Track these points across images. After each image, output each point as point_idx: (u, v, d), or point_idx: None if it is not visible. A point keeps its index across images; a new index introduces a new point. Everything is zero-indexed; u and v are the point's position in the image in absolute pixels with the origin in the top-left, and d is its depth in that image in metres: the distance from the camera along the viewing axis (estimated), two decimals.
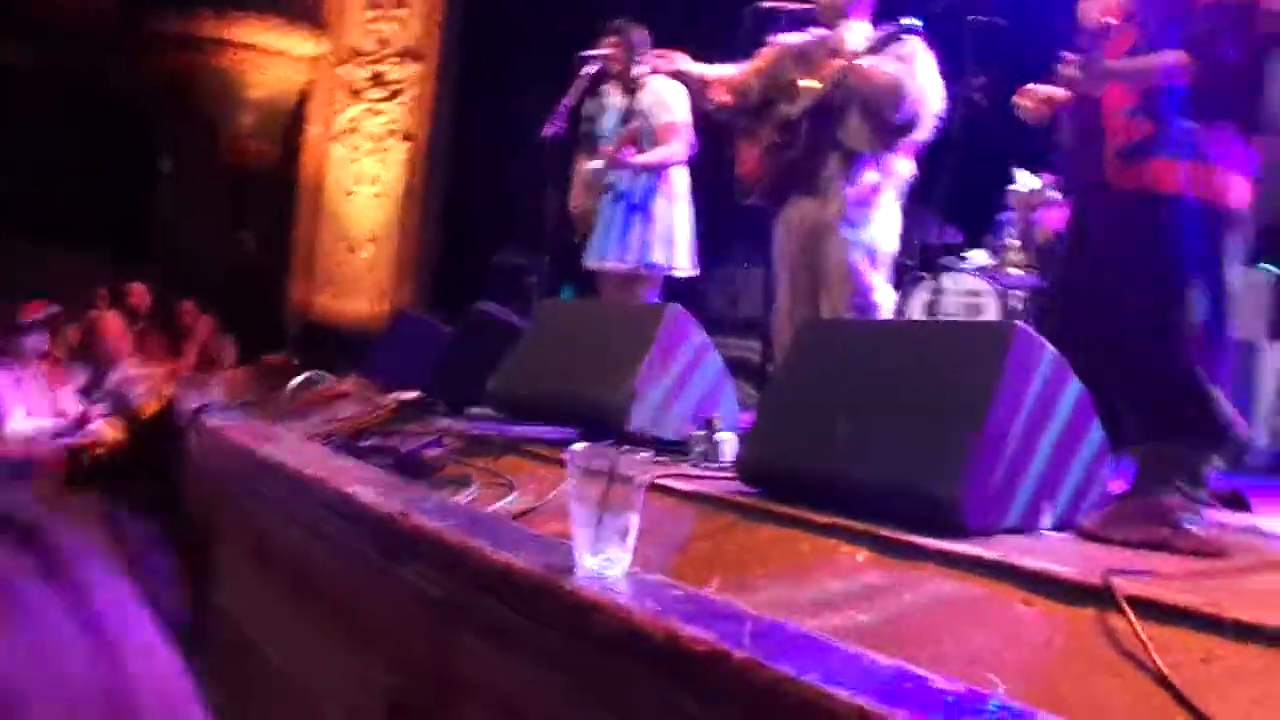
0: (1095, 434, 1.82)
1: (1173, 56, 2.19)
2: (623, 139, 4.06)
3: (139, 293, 5.73)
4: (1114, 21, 2.16)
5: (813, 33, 3.40)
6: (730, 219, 4.29)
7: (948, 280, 5.70)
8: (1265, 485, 2.76)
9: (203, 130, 7.26)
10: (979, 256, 5.67)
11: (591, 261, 4.13)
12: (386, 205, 7.42)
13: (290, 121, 7.51)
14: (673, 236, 4.05)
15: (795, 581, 1.55)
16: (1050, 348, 1.74)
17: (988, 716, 0.73)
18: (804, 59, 3.31)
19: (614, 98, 4.24)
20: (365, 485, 1.48)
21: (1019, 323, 1.72)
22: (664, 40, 3.96)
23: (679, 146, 4.00)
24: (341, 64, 7.43)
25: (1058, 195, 5.68)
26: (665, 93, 3.99)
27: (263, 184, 7.41)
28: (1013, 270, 5.52)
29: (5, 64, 7.16)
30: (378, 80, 7.42)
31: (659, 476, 2.12)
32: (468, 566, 1.11)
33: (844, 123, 3.12)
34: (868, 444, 1.76)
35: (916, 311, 4.84)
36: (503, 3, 6.98)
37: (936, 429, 1.69)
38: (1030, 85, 2.47)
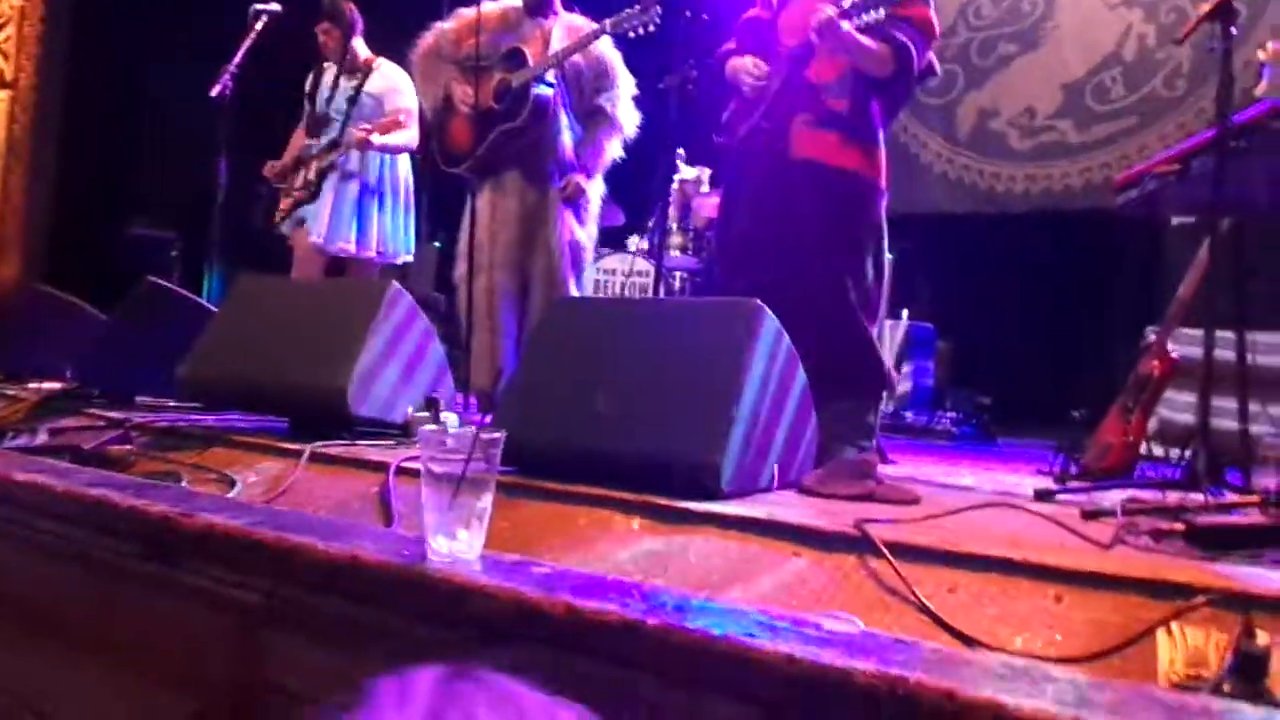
0: (804, 395, 2.05)
1: (884, 50, 2.47)
2: (381, 125, 3.91)
3: None
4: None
5: (514, 5, 3.45)
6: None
7: (615, 261, 6.05)
8: (886, 443, 3.22)
9: None
10: (637, 240, 6.08)
11: (314, 239, 3.94)
12: None
13: None
14: (402, 223, 4.05)
15: (580, 553, 1.59)
16: (775, 320, 1.92)
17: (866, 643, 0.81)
18: (510, 31, 3.36)
19: (340, 79, 4.07)
20: (113, 489, 1.28)
21: (757, 300, 1.88)
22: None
23: (415, 132, 3.96)
24: None
25: (707, 184, 6.24)
26: (398, 78, 3.96)
27: None
28: (674, 252, 5.97)
29: None
30: None
31: (401, 459, 2.07)
32: (296, 564, 1.01)
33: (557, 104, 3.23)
34: (627, 417, 1.84)
35: (588, 290, 5.07)
36: None
37: (694, 401, 1.81)
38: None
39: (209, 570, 1.08)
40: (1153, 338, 2.64)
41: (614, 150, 3.38)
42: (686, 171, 6.04)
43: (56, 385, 3.35)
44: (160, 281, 3.21)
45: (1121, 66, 5.18)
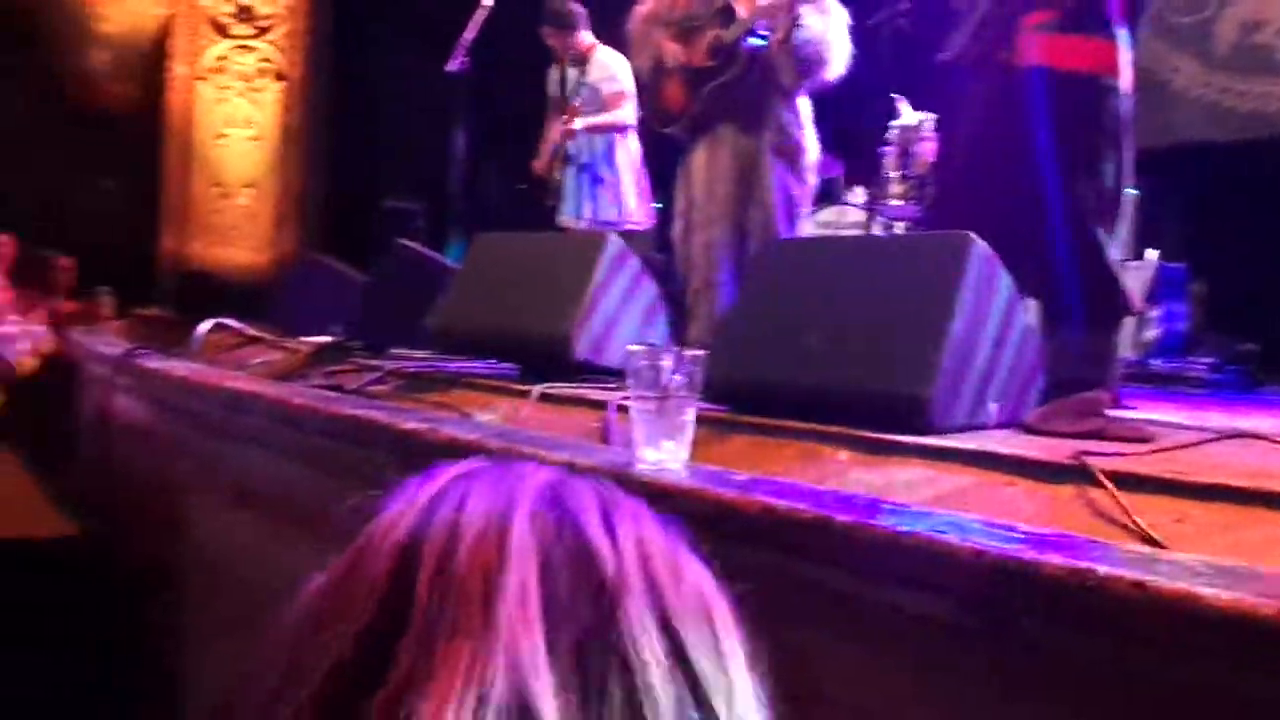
0: (1026, 329, 1.98)
1: None
2: (573, 110, 4.36)
3: (4, 244, 5.33)
4: None
5: None
6: None
7: (834, 213, 5.95)
8: (1126, 393, 3.00)
9: (56, 71, 6.74)
10: (860, 191, 5.93)
11: (561, 220, 4.43)
12: (263, 149, 7.09)
13: (151, 60, 7.05)
14: (620, 194, 4.41)
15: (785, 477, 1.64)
16: (989, 250, 1.86)
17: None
18: None
19: (568, 71, 4.50)
20: (371, 409, 1.47)
21: (969, 232, 1.83)
22: None
23: (625, 111, 4.30)
24: None
25: (932, 130, 5.98)
26: (611, 62, 4.32)
27: (126, 128, 6.95)
28: (893, 201, 5.79)
29: None
30: (245, 14, 7.03)
31: (620, 399, 2.19)
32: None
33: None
34: (836, 354, 1.86)
35: None
36: None
37: (902, 335, 1.80)
38: None
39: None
40: None
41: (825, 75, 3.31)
42: (908, 116, 5.83)
43: (326, 339, 3.78)
44: (409, 244, 3.52)
45: None
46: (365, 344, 3.51)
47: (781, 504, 0.88)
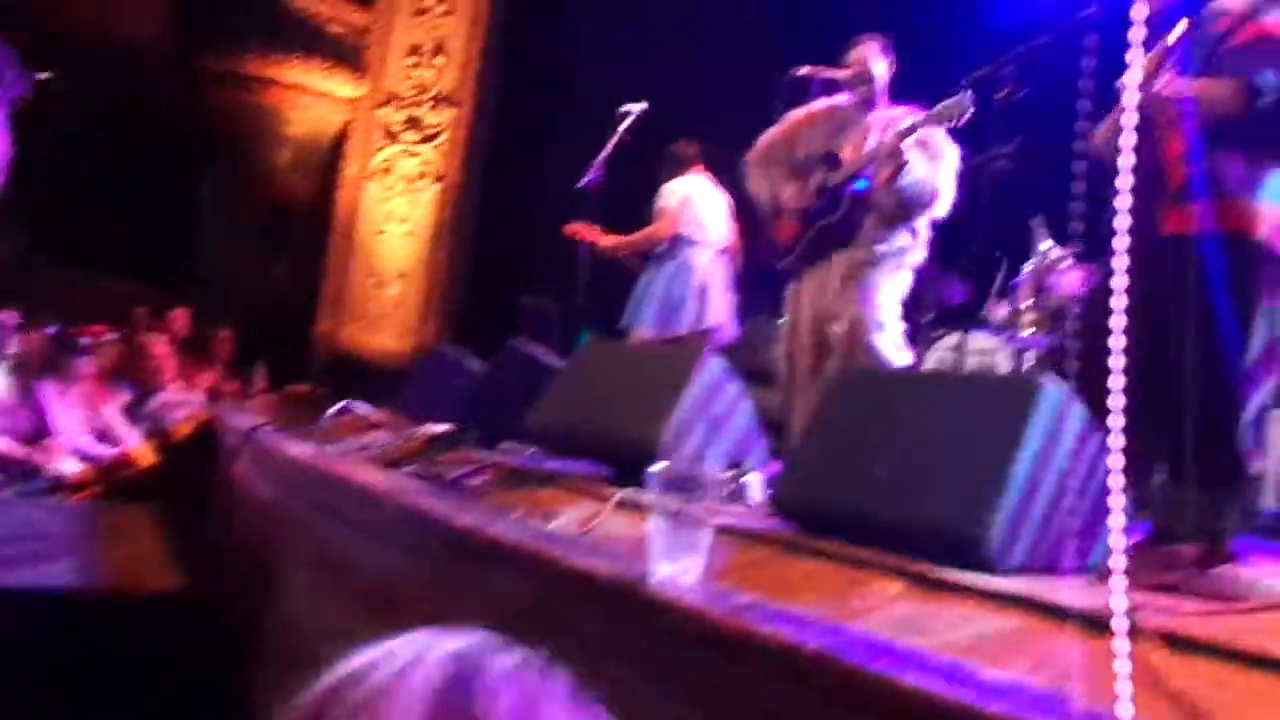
0: (1104, 474, 1.93)
1: (1228, 87, 2.21)
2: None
3: (180, 318, 5.89)
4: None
5: (841, 102, 3.60)
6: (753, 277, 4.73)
7: (963, 338, 5.85)
8: (1269, 548, 2.83)
9: (244, 164, 7.49)
10: (995, 316, 5.82)
11: (625, 323, 4.70)
12: (416, 244, 7.61)
13: (327, 159, 7.74)
14: (681, 303, 4.63)
15: (832, 611, 1.65)
16: (1073, 397, 1.85)
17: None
18: (839, 128, 3.51)
19: None
20: (437, 499, 1.59)
21: (1044, 376, 1.83)
22: (705, 111, 4.27)
23: (662, 224, 4.63)
24: (379, 106, 7.67)
25: (1071, 261, 5.84)
26: (664, 190, 4.71)
27: (298, 218, 7.62)
28: (1026, 331, 5.65)
29: (57, 91, 7.41)
30: (414, 124, 7.65)
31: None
32: (548, 574, 1.22)
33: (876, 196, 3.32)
34: (902, 484, 1.87)
35: (935, 367, 4.97)
36: (539, 56, 7.23)
37: (968, 472, 1.80)
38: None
39: (497, 574, 1.31)
40: None
41: (926, 217, 3.39)
42: (1045, 246, 5.75)
43: (442, 428, 4.00)
44: (520, 345, 3.71)
45: None
46: (478, 435, 3.70)
47: (763, 629, 0.92)
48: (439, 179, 7.66)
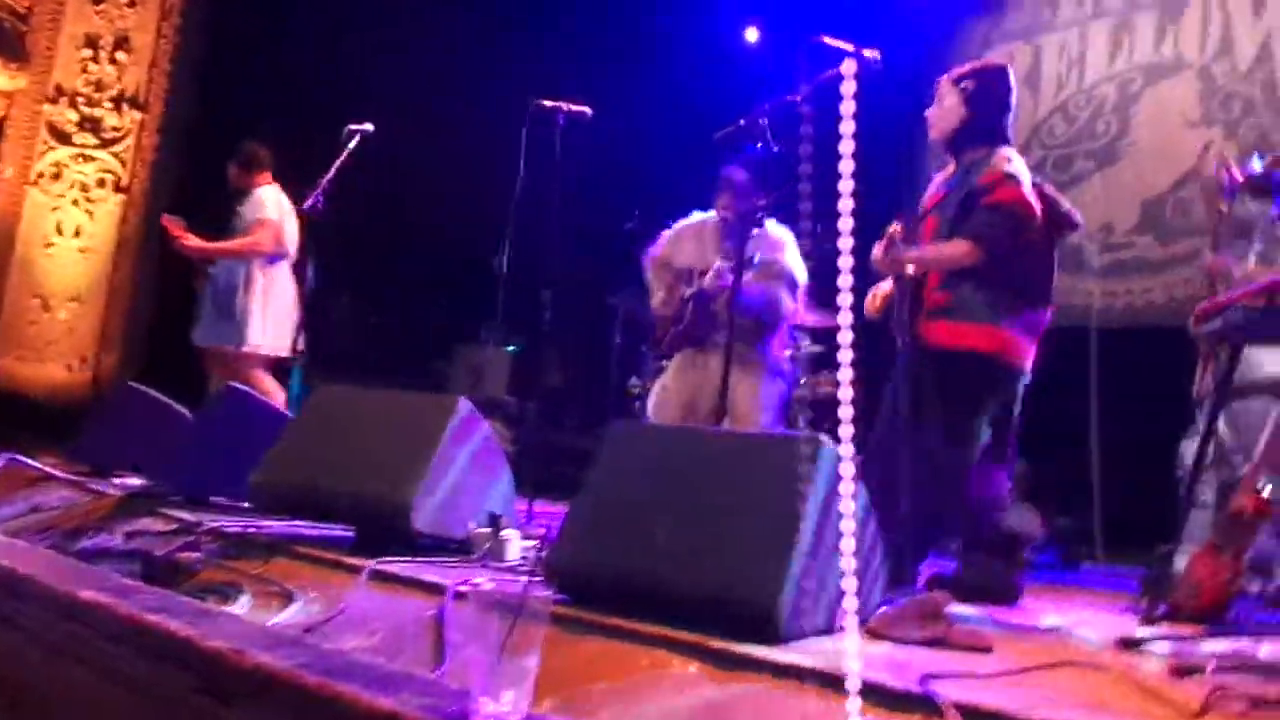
0: (872, 529, 2.00)
1: (960, 246, 2.67)
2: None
3: None
4: (898, 228, 2.67)
5: (709, 219, 3.93)
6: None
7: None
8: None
9: None
10: None
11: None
12: (93, 261, 6.68)
13: None
14: (261, 318, 4.63)
15: (634, 698, 1.55)
16: (838, 453, 1.89)
17: None
18: (696, 241, 3.91)
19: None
20: (172, 616, 1.29)
21: (821, 435, 1.85)
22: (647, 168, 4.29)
23: (264, 235, 4.64)
24: (47, 102, 6.68)
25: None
26: (264, 195, 4.75)
27: None
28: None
29: None
30: (91, 125, 6.73)
31: (458, 583, 2.05)
32: (339, 715, 1.00)
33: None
34: (685, 552, 1.81)
35: None
36: (248, 61, 6.65)
37: (752, 538, 1.77)
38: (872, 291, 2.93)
39: (259, 711, 1.08)
40: (1245, 471, 2.53)
41: (788, 301, 3.77)
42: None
43: (137, 482, 3.46)
44: (240, 387, 3.31)
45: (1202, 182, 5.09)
46: (182, 492, 3.23)
47: None
48: (122, 189, 6.78)
